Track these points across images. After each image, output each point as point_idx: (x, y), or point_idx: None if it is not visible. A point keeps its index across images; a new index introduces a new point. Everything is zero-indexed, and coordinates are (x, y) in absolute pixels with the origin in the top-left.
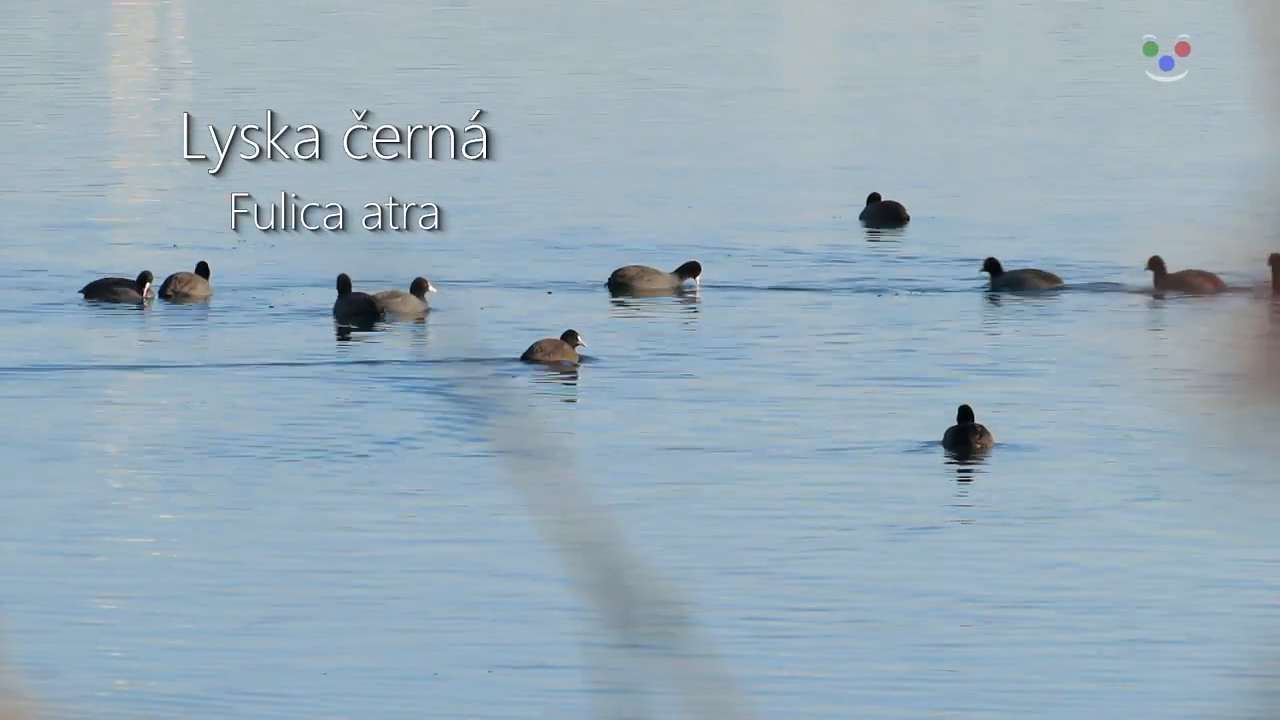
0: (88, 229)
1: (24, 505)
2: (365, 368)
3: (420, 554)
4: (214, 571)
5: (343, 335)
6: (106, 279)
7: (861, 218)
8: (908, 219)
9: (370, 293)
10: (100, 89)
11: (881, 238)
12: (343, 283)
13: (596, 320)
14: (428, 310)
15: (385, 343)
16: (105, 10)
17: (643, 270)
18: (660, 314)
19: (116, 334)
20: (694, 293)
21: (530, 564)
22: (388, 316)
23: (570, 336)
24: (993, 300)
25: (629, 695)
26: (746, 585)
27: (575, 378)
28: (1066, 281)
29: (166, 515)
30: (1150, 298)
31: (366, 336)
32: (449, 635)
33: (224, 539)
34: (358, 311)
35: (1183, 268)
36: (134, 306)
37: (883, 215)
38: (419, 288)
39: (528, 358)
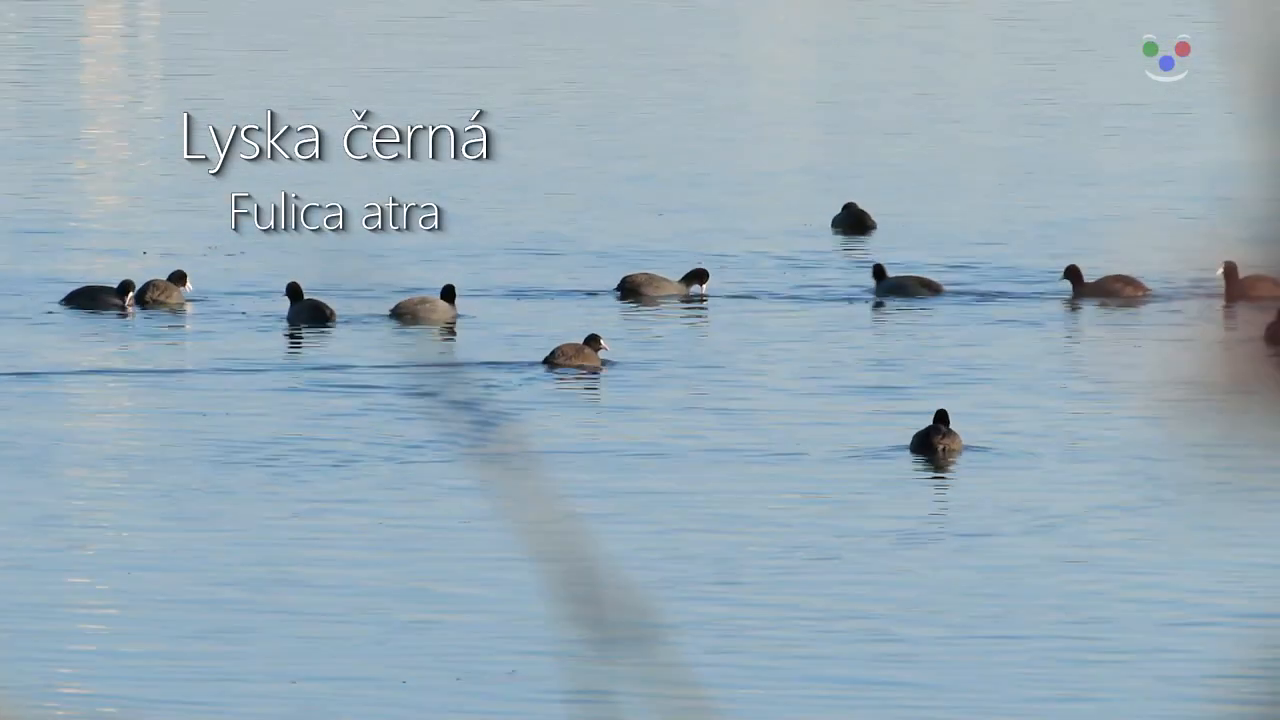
0: (82, 232)
1: None
2: (335, 374)
3: (390, 560)
4: (180, 580)
5: (305, 342)
6: (89, 287)
7: (833, 225)
8: (874, 226)
9: (321, 299)
10: (86, 89)
11: (850, 245)
12: (293, 290)
13: (597, 327)
14: (455, 317)
15: (355, 349)
16: (77, 10)
17: (651, 278)
18: (658, 320)
19: (89, 341)
20: (702, 299)
21: (500, 571)
22: (349, 322)
23: (593, 341)
24: (878, 306)
25: (600, 703)
26: (718, 592)
27: (596, 383)
28: (1027, 289)
29: (133, 523)
30: (1072, 306)
31: (335, 342)
32: (417, 642)
33: (190, 547)
34: (309, 318)
35: (1103, 274)
36: (114, 314)
37: (849, 223)
38: (448, 294)
39: (549, 362)
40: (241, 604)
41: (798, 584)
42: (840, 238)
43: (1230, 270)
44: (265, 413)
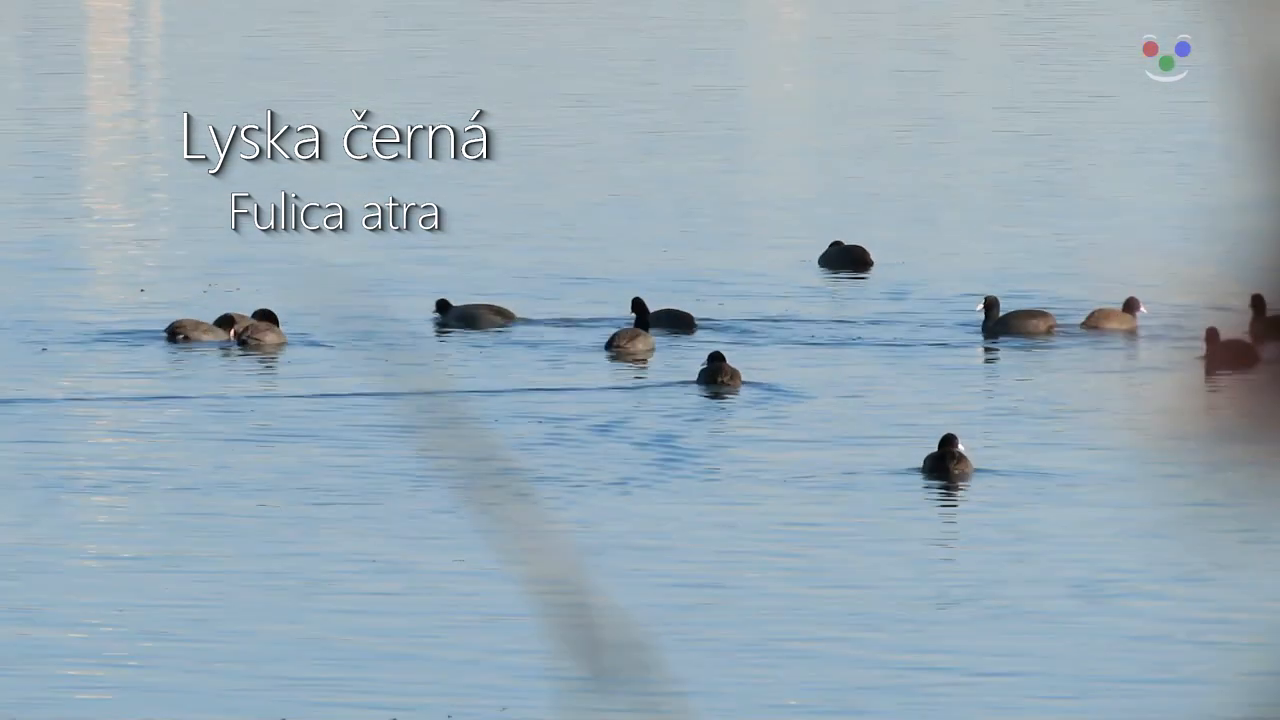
0: (77, 240)
1: None
2: (322, 401)
3: (381, 596)
4: (166, 610)
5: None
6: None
7: (820, 262)
8: (871, 263)
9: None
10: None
11: (842, 282)
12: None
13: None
14: (652, 350)
15: (350, 375)
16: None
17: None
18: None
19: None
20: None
21: (493, 606)
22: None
23: (718, 357)
24: (444, 335)
25: None
26: (715, 626)
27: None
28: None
29: (104, 552)
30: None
31: (324, 368)
32: (409, 678)
33: (169, 579)
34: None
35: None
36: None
37: (845, 260)
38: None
39: (718, 383)
40: (231, 636)
41: (802, 614)
42: (830, 274)
43: (992, 303)
44: (242, 439)
